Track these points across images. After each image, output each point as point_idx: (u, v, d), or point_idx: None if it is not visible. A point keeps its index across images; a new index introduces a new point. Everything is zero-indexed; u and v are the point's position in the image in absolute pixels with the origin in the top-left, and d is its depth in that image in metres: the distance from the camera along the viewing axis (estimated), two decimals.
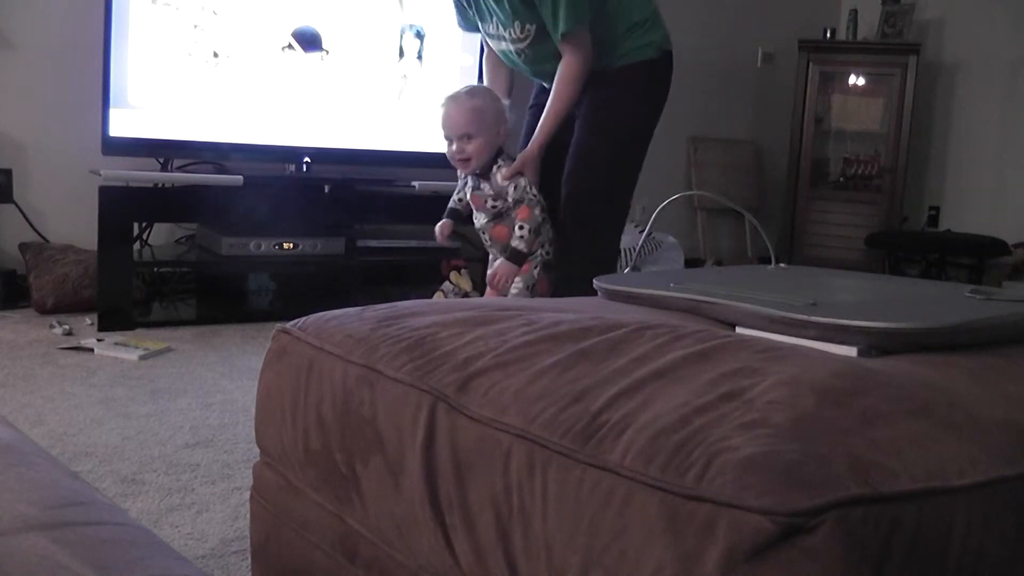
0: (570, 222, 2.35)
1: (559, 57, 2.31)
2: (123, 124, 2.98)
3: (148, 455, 1.80)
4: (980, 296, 1.16)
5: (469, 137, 2.26)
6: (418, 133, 3.42)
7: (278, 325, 1.13)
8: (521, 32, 2.31)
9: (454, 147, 2.29)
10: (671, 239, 3.88)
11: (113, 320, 2.89)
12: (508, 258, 2.28)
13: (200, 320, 3.10)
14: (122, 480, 1.66)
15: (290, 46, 3.23)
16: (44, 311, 3.03)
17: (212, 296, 3.37)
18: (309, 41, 3.26)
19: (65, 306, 3.04)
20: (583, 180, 2.35)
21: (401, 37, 3.43)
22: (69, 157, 3.19)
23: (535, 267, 2.31)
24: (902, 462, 0.66)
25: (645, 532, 0.65)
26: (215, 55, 3.11)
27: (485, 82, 2.61)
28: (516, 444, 0.77)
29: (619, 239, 2.49)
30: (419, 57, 3.47)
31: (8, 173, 3.21)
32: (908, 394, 0.77)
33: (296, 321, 1.11)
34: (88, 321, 2.94)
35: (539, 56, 2.36)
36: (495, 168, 2.30)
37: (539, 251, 2.31)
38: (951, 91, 4.90)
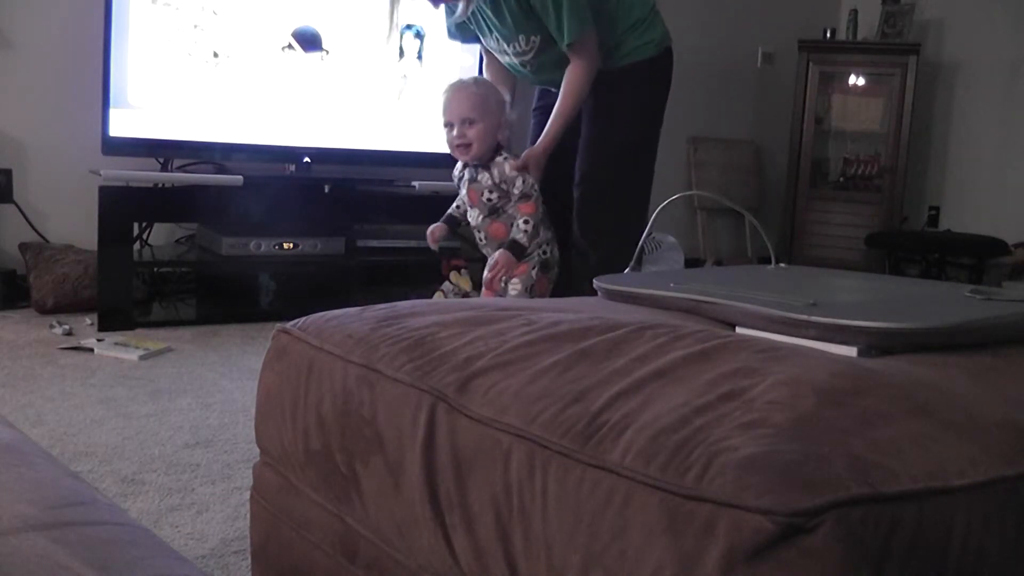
0: (588, 222, 2.35)
1: (563, 64, 2.30)
2: (123, 124, 2.98)
3: (148, 455, 1.80)
4: (980, 296, 1.16)
5: (471, 122, 2.24)
6: (418, 133, 3.42)
7: (278, 325, 1.13)
8: (526, 44, 2.30)
9: (455, 132, 2.26)
10: (671, 239, 3.88)
11: (113, 320, 2.89)
12: (507, 248, 2.26)
13: (200, 320, 3.10)
14: (122, 480, 1.66)
15: (290, 46, 3.23)
16: (44, 311, 3.03)
17: (212, 296, 3.37)
18: (309, 41, 3.26)
19: (65, 306, 3.04)
20: (598, 177, 2.35)
21: (401, 37, 3.43)
22: (69, 157, 3.19)
23: (532, 267, 2.30)
24: (902, 462, 0.66)
25: (645, 532, 0.65)
26: (215, 55, 3.11)
27: None
28: (516, 444, 0.77)
29: (638, 236, 2.49)
30: (419, 57, 3.48)
31: (8, 173, 3.21)
32: (908, 394, 0.77)
33: (296, 321, 1.11)
34: (88, 321, 2.94)
35: (544, 65, 2.35)
36: (500, 159, 2.28)
37: (536, 251, 2.30)
38: (951, 91, 4.90)
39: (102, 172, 2.90)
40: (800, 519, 0.59)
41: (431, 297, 3.25)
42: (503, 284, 2.30)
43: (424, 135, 3.37)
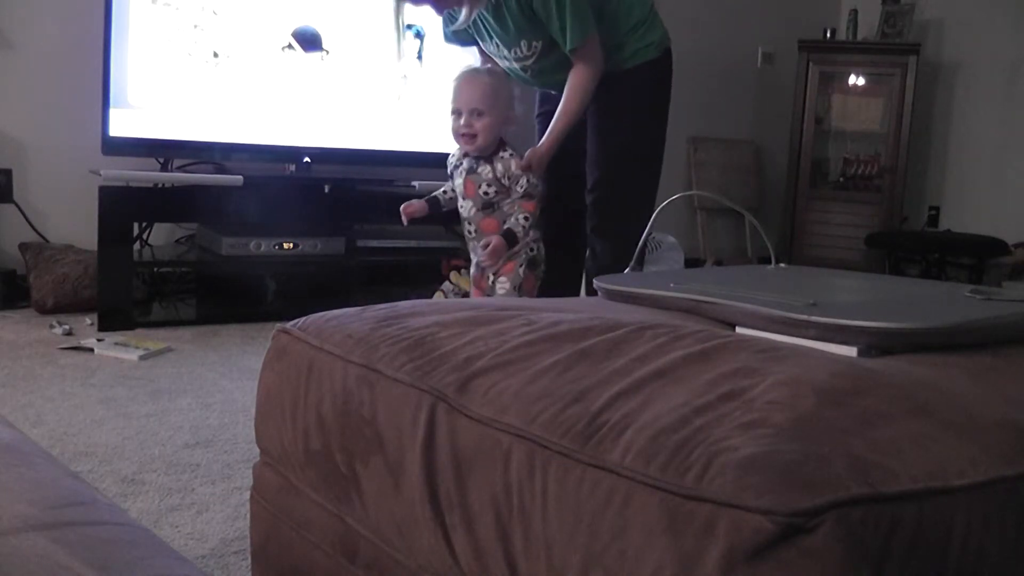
0: (604, 226, 2.36)
1: (564, 67, 2.29)
2: (123, 124, 2.98)
3: (148, 455, 1.80)
4: (980, 296, 1.16)
5: (479, 114, 2.22)
6: (418, 133, 3.42)
7: (278, 325, 1.13)
8: (528, 50, 2.29)
9: (462, 121, 2.23)
10: (671, 239, 3.88)
11: (113, 320, 2.89)
12: (503, 235, 2.24)
13: (200, 320, 3.10)
14: (122, 480, 1.66)
15: (290, 46, 3.23)
16: (44, 311, 3.03)
17: (212, 296, 3.37)
18: (309, 41, 3.26)
19: (65, 306, 3.04)
20: (612, 181, 2.35)
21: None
22: (69, 157, 3.19)
23: (520, 265, 2.29)
24: (902, 462, 0.66)
25: (645, 532, 0.65)
26: (215, 55, 3.11)
27: None
28: (516, 444, 0.77)
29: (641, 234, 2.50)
30: (419, 57, 3.48)
31: (8, 173, 3.21)
32: (908, 394, 0.77)
33: (296, 321, 1.11)
34: (88, 321, 2.94)
35: (544, 70, 2.34)
36: (506, 155, 2.27)
37: (523, 249, 2.29)
38: (951, 91, 4.90)
39: (102, 172, 2.90)
40: (800, 519, 0.59)
41: (431, 297, 3.25)
42: (490, 283, 2.31)
43: (424, 135, 3.37)
